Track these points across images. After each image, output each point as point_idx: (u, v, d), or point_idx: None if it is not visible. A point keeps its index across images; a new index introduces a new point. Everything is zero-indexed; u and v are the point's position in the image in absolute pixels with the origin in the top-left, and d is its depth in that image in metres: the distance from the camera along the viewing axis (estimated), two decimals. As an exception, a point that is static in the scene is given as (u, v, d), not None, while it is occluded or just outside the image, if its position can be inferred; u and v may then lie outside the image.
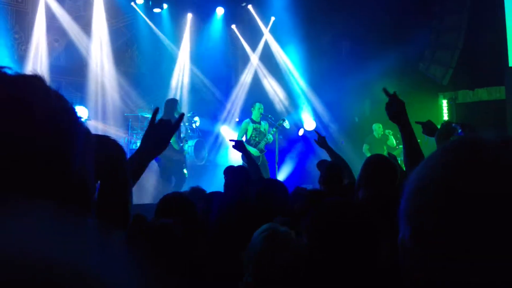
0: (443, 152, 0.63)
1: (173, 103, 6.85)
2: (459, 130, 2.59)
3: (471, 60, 8.86)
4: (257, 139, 7.58)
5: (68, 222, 0.46)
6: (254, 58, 10.31)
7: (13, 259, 0.39)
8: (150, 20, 9.14)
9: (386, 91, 2.20)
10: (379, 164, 2.44)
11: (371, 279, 1.48)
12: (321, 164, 3.86)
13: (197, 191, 3.24)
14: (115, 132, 7.68)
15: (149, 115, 7.73)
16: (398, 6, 8.78)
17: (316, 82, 9.76)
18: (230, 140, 4.26)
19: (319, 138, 3.92)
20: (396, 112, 2.11)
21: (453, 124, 2.64)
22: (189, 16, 9.90)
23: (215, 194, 2.98)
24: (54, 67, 7.66)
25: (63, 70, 7.85)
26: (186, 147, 7.69)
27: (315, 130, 4.86)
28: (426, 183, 0.61)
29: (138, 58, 9.13)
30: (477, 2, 8.77)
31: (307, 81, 9.94)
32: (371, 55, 8.72)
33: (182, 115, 1.68)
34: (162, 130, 1.57)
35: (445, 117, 9.15)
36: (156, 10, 9.26)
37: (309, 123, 9.52)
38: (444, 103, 9.29)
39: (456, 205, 0.56)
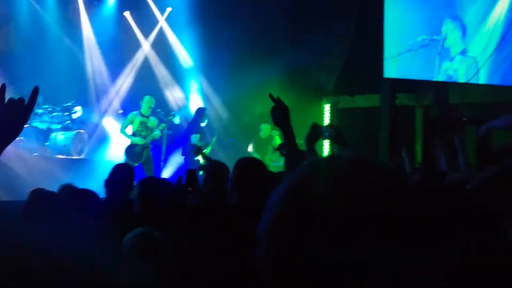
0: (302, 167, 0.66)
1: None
2: (326, 134, 2.75)
3: (353, 68, 9.52)
4: (143, 133, 7.33)
5: None
6: (146, 46, 9.92)
7: None
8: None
9: (271, 97, 2.24)
10: (246, 168, 2.51)
11: (239, 279, 1.48)
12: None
13: (68, 189, 3.01)
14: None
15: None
16: (292, 10, 9.10)
17: (213, 78, 9.72)
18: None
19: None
20: (279, 117, 2.17)
21: (322, 127, 2.78)
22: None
23: (87, 193, 2.78)
24: None
25: None
26: (63, 139, 7.16)
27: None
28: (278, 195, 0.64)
29: (14, 38, 8.28)
30: (362, 14, 9.43)
31: (204, 76, 9.85)
32: (264, 56, 8.92)
33: (35, 88, 1.45)
34: (13, 112, 1.38)
35: (327, 121, 9.71)
36: None
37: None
38: (327, 107, 9.86)
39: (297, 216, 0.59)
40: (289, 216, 0.61)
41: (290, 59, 9.00)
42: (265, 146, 8.67)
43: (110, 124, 8.83)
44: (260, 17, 8.99)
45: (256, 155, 7.94)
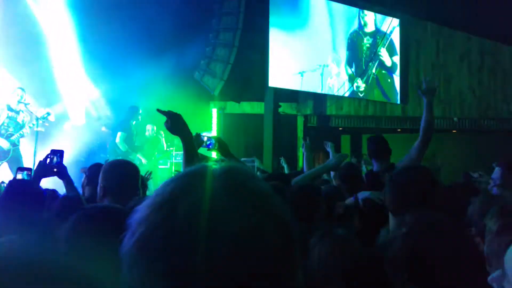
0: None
1: None
2: (208, 143, 2.82)
3: (240, 75, 9.72)
4: (10, 129, 6.58)
5: None
6: (26, 34, 8.87)
7: None
8: None
9: (160, 111, 2.21)
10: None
11: None
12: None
13: None
14: None
15: None
16: (178, 15, 8.97)
17: (98, 75, 9.09)
18: None
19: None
20: (173, 127, 2.20)
21: (204, 137, 2.85)
22: None
23: None
24: None
25: None
26: None
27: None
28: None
29: None
30: (248, 24, 9.68)
31: (88, 72, 9.16)
32: (151, 57, 8.63)
33: None
34: None
35: (214, 125, 9.76)
36: None
37: (78, 117, 8.82)
38: (214, 112, 9.92)
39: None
40: (157, 234, 0.57)
41: (177, 61, 8.86)
42: (151, 147, 8.45)
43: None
44: (144, 15, 8.71)
45: (134, 155, 7.71)
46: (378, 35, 10.52)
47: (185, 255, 0.55)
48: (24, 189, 2.29)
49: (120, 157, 7.18)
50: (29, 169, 2.85)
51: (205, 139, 2.83)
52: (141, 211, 0.61)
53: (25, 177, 2.72)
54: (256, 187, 0.62)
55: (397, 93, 10.58)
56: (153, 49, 8.79)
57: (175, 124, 2.18)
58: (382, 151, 3.57)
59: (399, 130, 10.42)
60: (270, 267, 0.57)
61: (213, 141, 2.87)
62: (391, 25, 10.53)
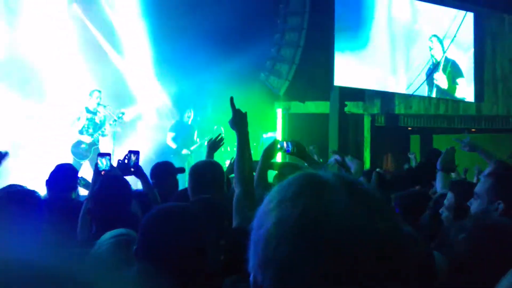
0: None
1: None
2: (287, 147, 2.84)
3: (305, 75, 9.68)
4: (90, 130, 7.04)
5: None
6: (100, 38, 9.52)
7: None
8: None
9: (232, 103, 2.33)
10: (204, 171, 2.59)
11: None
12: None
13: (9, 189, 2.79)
14: None
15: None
16: (243, 16, 9.12)
17: (163, 77, 9.50)
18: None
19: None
20: (236, 122, 2.30)
21: (280, 142, 2.90)
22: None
23: (28, 193, 2.50)
24: None
25: None
26: None
27: None
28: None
29: None
30: (314, 23, 9.62)
31: (157, 73, 9.61)
32: (216, 57, 8.85)
33: None
34: None
35: (278, 125, 9.82)
36: None
37: (151, 118, 9.23)
38: (279, 112, 9.97)
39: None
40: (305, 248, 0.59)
41: (242, 62, 9.00)
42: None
43: (52, 118, 8.39)
44: (211, 16, 8.93)
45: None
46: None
47: (334, 262, 0.57)
48: (117, 184, 2.43)
49: (171, 155, 7.58)
50: (108, 154, 3.01)
51: (284, 144, 2.87)
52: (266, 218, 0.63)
53: (108, 162, 2.87)
54: (376, 194, 0.65)
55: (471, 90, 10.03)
56: (218, 51, 8.99)
57: (237, 120, 2.28)
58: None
59: (473, 130, 9.87)
60: (406, 270, 0.60)
61: (291, 145, 2.89)
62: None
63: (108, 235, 1.61)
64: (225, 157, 8.04)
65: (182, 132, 8.14)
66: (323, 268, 0.57)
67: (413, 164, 6.51)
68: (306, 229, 0.59)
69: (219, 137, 3.57)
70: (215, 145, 3.52)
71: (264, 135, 8.96)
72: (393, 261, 0.59)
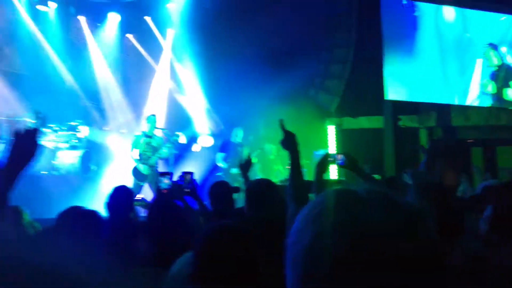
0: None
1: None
2: (340, 160, 2.83)
3: (356, 90, 9.58)
4: (148, 153, 7.31)
5: None
6: (159, 69, 10.13)
7: None
8: (34, 18, 8.53)
9: (282, 125, 2.38)
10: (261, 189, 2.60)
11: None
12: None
13: (74, 211, 2.94)
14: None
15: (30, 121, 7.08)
16: (291, 34, 9.21)
17: (215, 98, 9.79)
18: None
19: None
20: (286, 143, 2.36)
21: (332, 155, 2.88)
22: (82, 19, 9.39)
23: (92, 214, 2.65)
24: None
25: None
26: (71, 158, 7.19)
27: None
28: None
29: (18, 57, 8.37)
30: (362, 38, 9.55)
31: (206, 97, 9.93)
32: (264, 78, 8.97)
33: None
34: (27, 140, 1.47)
35: (331, 141, 9.72)
36: (41, 8, 8.67)
37: (205, 139, 9.46)
38: (330, 128, 9.89)
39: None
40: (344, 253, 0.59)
41: (290, 81, 9.06)
42: (271, 166, 8.73)
43: (114, 143, 8.85)
44: (257, 38, 9.09)
45: (261, 175, 7.99)
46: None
47: (373, 277, 0.58)
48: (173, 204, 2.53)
49: (221, 174, 7.71)
50: (169, 173, 3.13)
51: (338, 157, 2.88)
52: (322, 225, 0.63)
53: (169, 181, 2.98)
54: (414, 208, 0.65)
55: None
56: (267, 70, 9.12)
57: (288, 141, 2.33)
58: None
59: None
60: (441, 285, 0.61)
61: (343, 158, 2.89)
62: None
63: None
64: (279, 177, 8.08)
65: (231, 151, 8.27)
66: (364, 283, 0.57)
67: (477, 177, 6.21)
68: (342, 244, 0.59)
69: (248, 159, 3.64)
70: (245, 166, 3.56)
71: (316, 152, 8.92)
72: (430, 276, 0.59)
